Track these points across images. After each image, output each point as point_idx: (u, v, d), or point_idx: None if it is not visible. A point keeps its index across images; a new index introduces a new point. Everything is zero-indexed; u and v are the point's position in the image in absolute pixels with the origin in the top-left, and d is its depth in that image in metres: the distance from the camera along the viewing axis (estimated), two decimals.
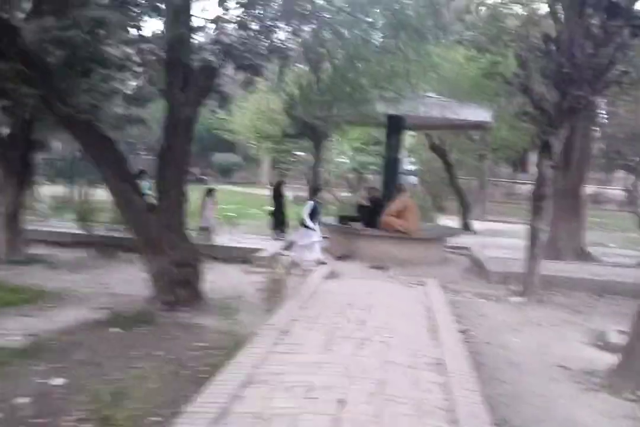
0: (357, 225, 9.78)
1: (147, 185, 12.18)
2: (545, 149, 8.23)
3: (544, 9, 15.13)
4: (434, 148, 17.26)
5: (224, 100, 8.94)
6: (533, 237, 8.52)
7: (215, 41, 8.53)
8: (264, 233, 13.35)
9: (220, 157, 40.51)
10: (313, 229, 9.14)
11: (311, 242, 9.13)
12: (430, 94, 10.13)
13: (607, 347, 6.15)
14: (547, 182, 8.36)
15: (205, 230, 10.97)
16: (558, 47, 7.62)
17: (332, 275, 8.26)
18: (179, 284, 6.55)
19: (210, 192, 11.46)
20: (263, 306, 6.56)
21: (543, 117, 7.92)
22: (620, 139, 26.26)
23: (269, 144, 17.65)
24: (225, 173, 42.15)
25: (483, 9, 16.94)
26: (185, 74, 5.69)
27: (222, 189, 35.17)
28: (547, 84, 7.91)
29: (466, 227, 17.78)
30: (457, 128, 13.10)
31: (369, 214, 9.90)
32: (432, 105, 9.11)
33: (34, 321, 6.07)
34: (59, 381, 4.52)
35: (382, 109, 8.66)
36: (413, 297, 6.87)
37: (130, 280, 7.95)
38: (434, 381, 3.95)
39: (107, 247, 10.10)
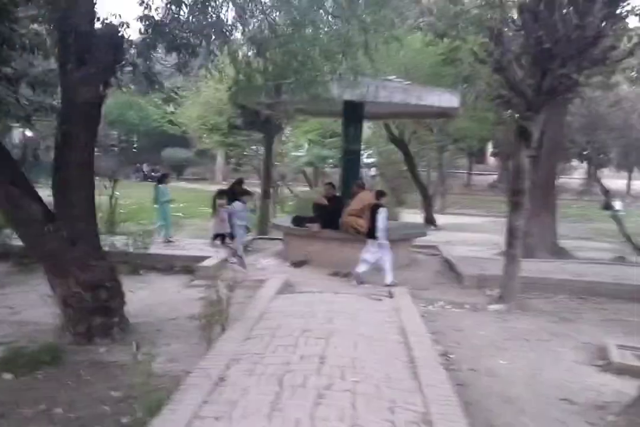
0: (314, 226, 8.63)
1: (166, 191, 10.71)
2: (522, 137, 7.27)
3: None
4: (394, 140, 16.28)
5: (154, 85, 7.67)
6: (511, 236, 7.58)
7: (142, 17, 7.22)
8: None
9: (170, 153, 38.64)
10: (385, 243, 7.94)
11: (383, 259, 7.95)
12: (391, 78, 9.06)
13: (609, 367, 5.24)
14: (525, 175, 7.42)
15: (217, 238, 9.77)
16: (536, 18, 6.64)
17: (286, 287, 7.10)
18: (93, 311, 5.29)
19: (221, 195, 10.22)
20: (201, 334, 5.34)
21: (520, 100, 6.95)
22: (575, 127, 26.04)
23: (216, 137, 16.25)
24: (177, 169, 40.25)
25: None
26: (81, 46, 4.38)
27: (172, 186, 33.57)
28: (524, 62, 6.94)
29: (429, 222, 16.95)
30: (422, 116, 12.01)
31: (327, 214, 8.76)
32: (394, 89, 8.02)
33: None
34: None
35: (337, 93, 7.55)
36: (382, 316, 5.77)
37: (45, 302, 6.58)
38: None
39: (26, 260, 8.64)
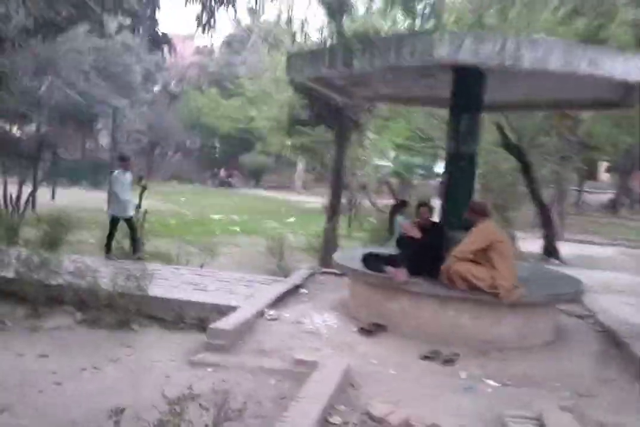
0: (399, 273, 5.37)
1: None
2: None
3: None
4: (508, 146, 12.62)
5: (158, 44, 5.07)
6: None
7: None
8: (270, 267, 8.93)
9: (248, 158, 36.67)
10: None
11: None
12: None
13: None
14: None
15: None
16: None
17: (342, 394, 3.89)
18: None
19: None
20: None
21: None
22: None
23: (280, 136, 13.33)
24: (255, 175, 38.31)
25: None
26: None
27: (246, 193, 31.23)
28: None
29: (550, 254, 13.10)
30: (582, 105, 7.37)
31: (421, 254, 5.45)
32: (552, 46, 4.64)
33: None
34: None
35: (446, 52, 4.33)
36: None
37: None
38: None
39: None
